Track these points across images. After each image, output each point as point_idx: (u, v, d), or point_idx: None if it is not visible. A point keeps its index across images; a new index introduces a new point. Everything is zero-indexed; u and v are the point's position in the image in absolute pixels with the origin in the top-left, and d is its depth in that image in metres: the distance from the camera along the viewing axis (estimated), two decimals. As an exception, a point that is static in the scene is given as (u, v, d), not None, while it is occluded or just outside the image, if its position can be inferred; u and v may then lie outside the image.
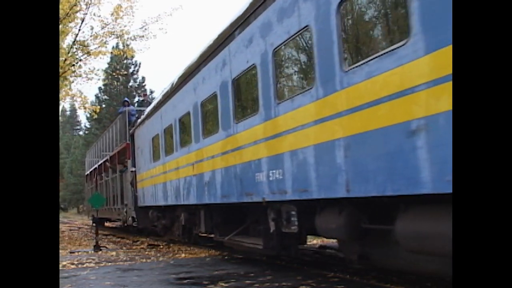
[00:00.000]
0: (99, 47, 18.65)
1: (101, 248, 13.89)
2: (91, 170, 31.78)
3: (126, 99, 21.93)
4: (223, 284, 6.76)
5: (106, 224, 31.85)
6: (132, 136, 18.05)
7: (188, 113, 10.65)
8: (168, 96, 12.64)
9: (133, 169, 17.53)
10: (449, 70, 3.62)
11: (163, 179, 13.23)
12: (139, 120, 16.97)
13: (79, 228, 31.07)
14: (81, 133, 78.82)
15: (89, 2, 17.90)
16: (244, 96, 8.11)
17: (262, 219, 8.07)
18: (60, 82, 18.02)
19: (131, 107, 21.37)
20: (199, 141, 9.96)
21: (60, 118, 64.26)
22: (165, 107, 12.96)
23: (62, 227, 32.12)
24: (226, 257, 10.19)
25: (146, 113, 15.78)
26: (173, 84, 12.13)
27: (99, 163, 27.40)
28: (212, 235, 10.82)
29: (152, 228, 18.60)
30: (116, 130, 22.22)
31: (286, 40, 6.39)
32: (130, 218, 18.90)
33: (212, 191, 9.18)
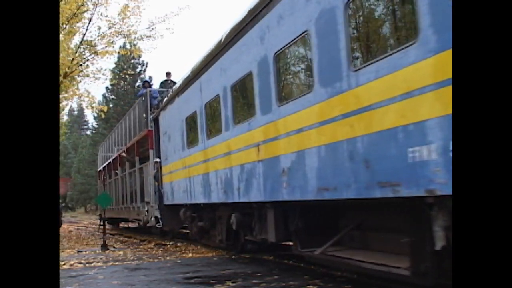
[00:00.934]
0: (106, 47, 17.39)
1: (109, 247, 13.06)
2: (104, 165, 26.81)
3: (146, 79, 17.61)
4: (230, 283, 6.38)
5: (122, 225, 27.56)
6: (155, 121, 14.11)
7: (249, 75, 7.11)
8: (212, 59, 8.81)
9: (157, 160, 13.69)
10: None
11: (203, 169, 9.56)
12: (165, 100, 12.95)
13: (87, 227, 28.55)
14: (88, 132, 76.80)
15: (96, 2, 16.71)
16: (373, 25, 4.63)
17: (397, 226, 4.69)
18: (68, 82, 17.09)
19: (153, 88, 17.06)
20: (271, 110, 6.42)
21: (67, 117, 61.92)
22: (207, 75, 9.21)
23: (69, 226, 30.13)
24: (233, 257, 9.58)
25: (175, 89, 11.86)
26: (221, 40, 8.38)
27: (114, 156, 22.81)
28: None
29: (181, 231, 15.38)
30: (135, 116, 18.27)
31: None
32: (152, 219, 14.78)
33: (298, 182, 5.72)
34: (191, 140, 10.47)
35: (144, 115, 16.57)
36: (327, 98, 4.98)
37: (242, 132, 7.43)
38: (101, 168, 28.54)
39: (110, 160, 23.92)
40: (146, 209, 15.43)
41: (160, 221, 13.98)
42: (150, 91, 16.40)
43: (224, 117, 8.17)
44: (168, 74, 17.12)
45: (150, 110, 15.77)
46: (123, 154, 19.28)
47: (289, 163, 5.90)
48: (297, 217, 6.59)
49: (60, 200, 31.60)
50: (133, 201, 18.45)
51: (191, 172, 10.45)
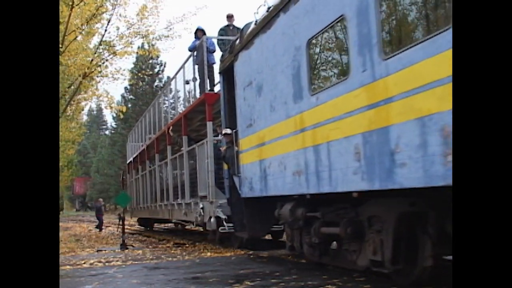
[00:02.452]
0: (125, 47, 17.52)
1: (128, 246, 13.03)
2: (135, 155, 23.24)
3: (199, 27, 12.80)
4: (248, 283, 6.32)
5: (158, 226, 24.41)
6: (226, 73, 9.58)
7: None
8: None
9: (228, 131, 9.22)
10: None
11: (366, 123, 4.99)
12: (248, 33, 8.34)
13: (106, 227, 28.30)
14: (107, 132, 77.49)
15: (115, 3, 16.89)
16: None
17: None
18: (87, 82, 17.31)
19: (208, 38, 12.47)
20: None
21: (87, 117, 62.55)
22: None
23: (89, 225, 30.31)
24: (251, 256, 9.43)
25: (277, 3, 7.22)
26: None
27: (150, 141, 19.16)
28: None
29: (264, 239, 11.11)
30: (182, 83, 14.25)
31: None
32: (212, 219, 10.86)
33: None
34: (325, 75, 6.19)
35: (198, 76, 12.69)
36: None
37: None
38: (131, 159, 24.98)
39: (144, 147, 20.54)
40: (201, 206, 11.67)
41: (225, 223, 10.19)
42: (205, 41, 12.11)
43: None
44: (229, 17, 12.58)
45: (207, 65, 12.10)
46: (170, 131, 14.91)
47: None
48: None
49: (101, 199, 30.86)
50: (177, 196, 14.44)
51: (319, 137, 5.90)
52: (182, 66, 14.15)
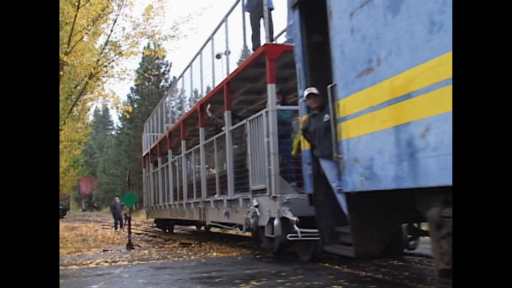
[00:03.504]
0: (130, 47, 17.39)
1: (134, 246, 13.07)
2: (153, 146, 20.35)
3: None
4: (254, 283, 6.29)
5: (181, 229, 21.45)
6: (308, 2, 6.44)
7: None
8: None
9: (315, 91, 6.22)
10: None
11: None
12: None
13: (113, 226, 28.00)
14: (113, 132, 77.58)
15: (121, 3, 16.81)
16: None
17: None
18: (93, 83, 17.29)
19: None
20: None
21: (93, 118, 62.71)
22: None
23: (95, 225, 30.33)
24: (257, 256, 9.42)
25: None
26: None
27: (174, 125, 16.24)
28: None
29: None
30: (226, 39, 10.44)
31: None
32: (276, 222, 7.66)
33: None
34: None
35: (250, 26, 9.48)
36: None
37: None
38: (147, 151, 21.82)
39: (165, 133, 17.31)
40: (255, 204, 8.52)
41: (296, 228, 7.16)
42: None
43: None
44: None
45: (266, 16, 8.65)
46: (208, 110, 11.48)
47: None
48: None
49: (117, 198, 29.87)
50: (214, 191, 11.25)
51: None
52: (225, 19, 10.40)
